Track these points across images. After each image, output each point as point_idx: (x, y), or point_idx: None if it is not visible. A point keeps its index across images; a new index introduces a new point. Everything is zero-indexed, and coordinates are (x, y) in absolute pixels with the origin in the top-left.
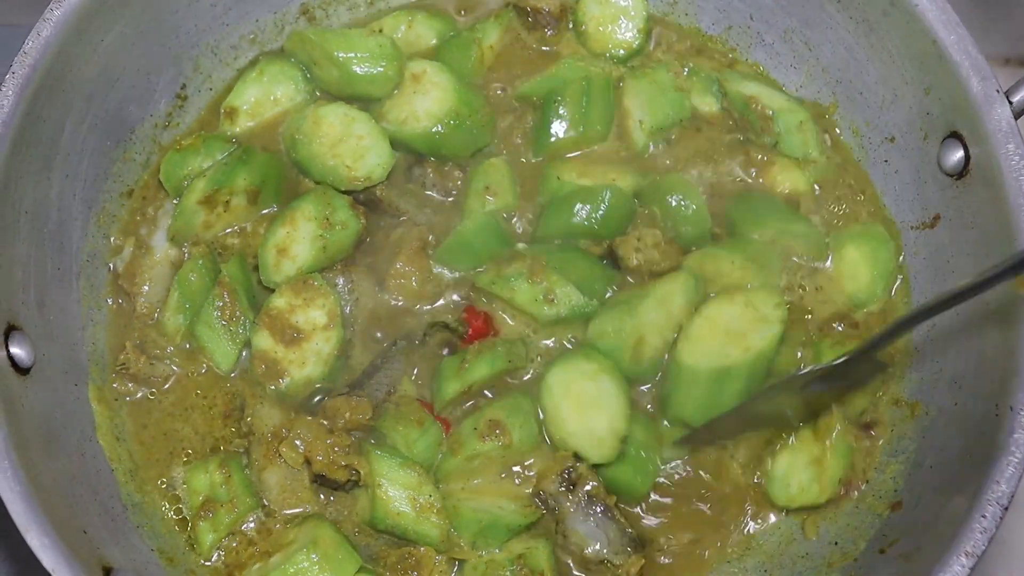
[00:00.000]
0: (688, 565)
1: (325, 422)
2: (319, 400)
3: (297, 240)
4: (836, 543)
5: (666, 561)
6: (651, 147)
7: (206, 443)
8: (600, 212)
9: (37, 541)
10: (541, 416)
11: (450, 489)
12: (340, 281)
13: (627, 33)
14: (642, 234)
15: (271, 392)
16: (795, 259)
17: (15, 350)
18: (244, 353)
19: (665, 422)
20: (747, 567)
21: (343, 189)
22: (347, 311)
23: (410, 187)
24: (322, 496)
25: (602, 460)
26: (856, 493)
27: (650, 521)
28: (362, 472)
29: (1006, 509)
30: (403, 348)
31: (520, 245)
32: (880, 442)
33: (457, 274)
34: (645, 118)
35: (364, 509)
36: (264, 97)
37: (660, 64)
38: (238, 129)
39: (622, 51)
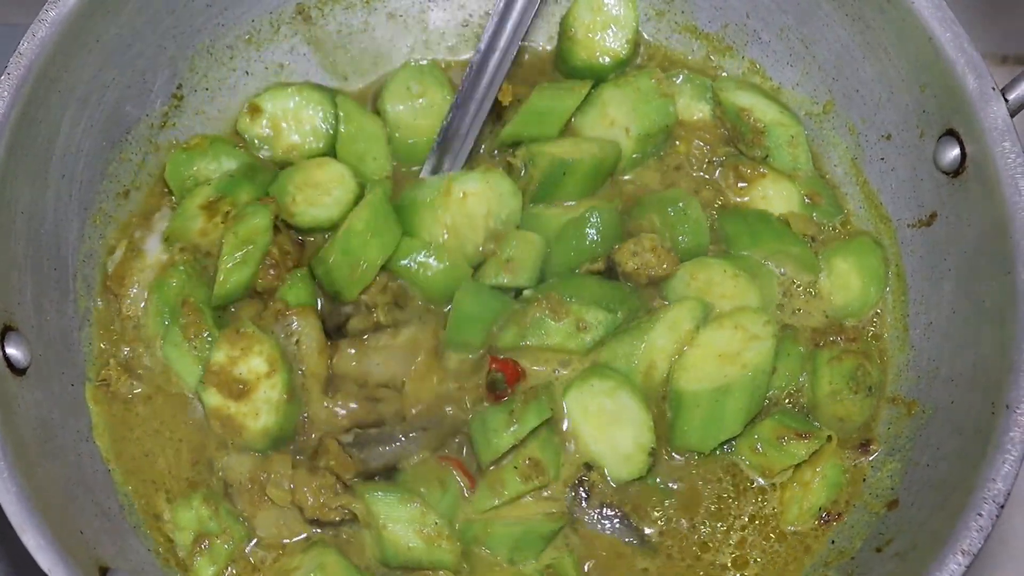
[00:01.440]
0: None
1: (300, 457)
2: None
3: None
4: (833, 542)
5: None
6: (637, 156)
7: (182, 483)
8: (595, 232)
9: (33, 541)
10: (571, 447)
11: (473, 517)
12: (276, 328)
13: (615, 42)
14: (639, 239)
15: (233, 446)
16: (787, 275)
17: (11, 351)
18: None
19: (669, 455)
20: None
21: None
22: (290, 352)
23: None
24: (319, 530)
25: (632, 476)
26: (832, 526)
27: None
28: (358, 513)
29: (1002, 507)
30: (418, 437)
31: (527, 292)
32: (864, 481)
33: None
34: (632, 125)
35: (372, 549)
36: (287, 113)
37: (642, 72)
38: (253, 132)
39: (607, 59)
